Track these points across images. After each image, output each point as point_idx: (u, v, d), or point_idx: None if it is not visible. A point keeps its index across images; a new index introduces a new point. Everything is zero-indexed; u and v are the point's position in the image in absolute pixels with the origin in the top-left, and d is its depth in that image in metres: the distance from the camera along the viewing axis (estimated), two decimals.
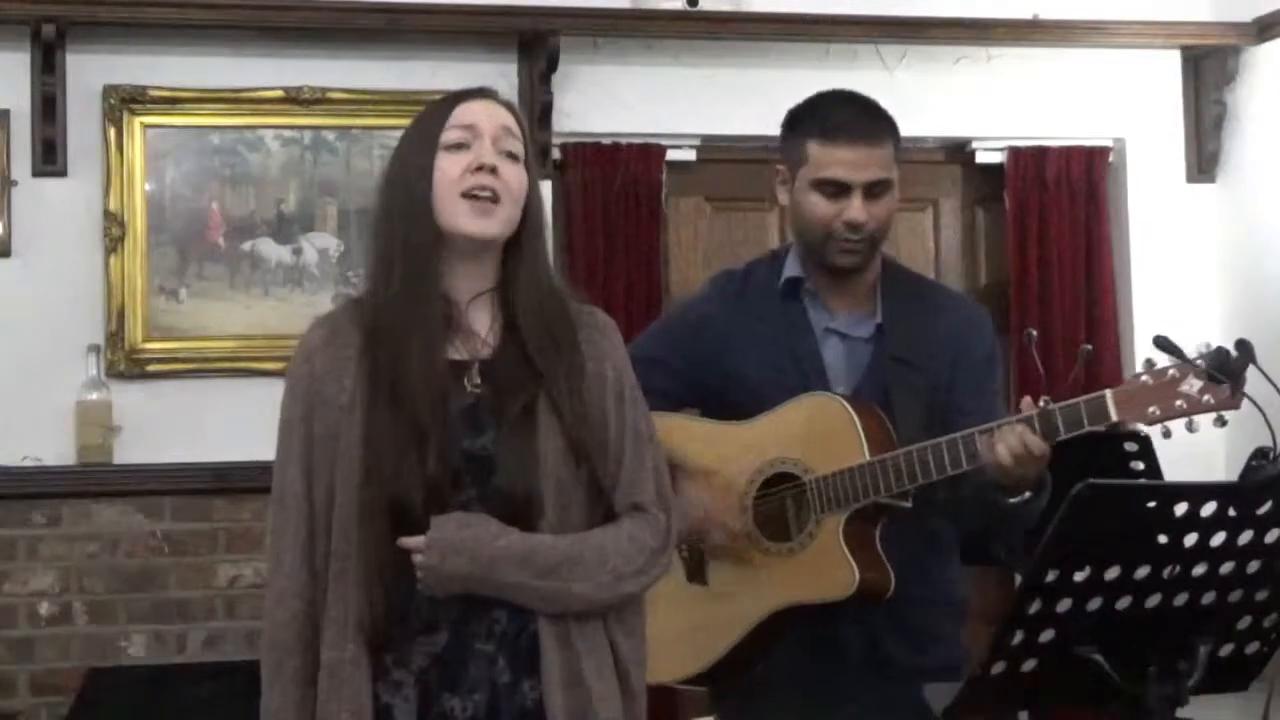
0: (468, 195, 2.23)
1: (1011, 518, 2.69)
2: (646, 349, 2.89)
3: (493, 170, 2.24)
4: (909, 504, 2.72)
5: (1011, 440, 2.57)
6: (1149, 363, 2.51)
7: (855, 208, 2.76)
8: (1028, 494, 2.64)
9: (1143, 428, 2.54)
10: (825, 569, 2.72)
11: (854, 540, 2.72)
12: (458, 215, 2.23)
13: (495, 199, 2.24)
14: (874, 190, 2.78)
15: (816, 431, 2.76)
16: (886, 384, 2.79)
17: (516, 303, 2.27)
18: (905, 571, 2.73)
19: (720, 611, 2.84)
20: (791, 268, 2.88)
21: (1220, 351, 2.45)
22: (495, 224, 2.25)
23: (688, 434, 2.88)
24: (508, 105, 2.34)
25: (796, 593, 2.75)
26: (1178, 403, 2.48)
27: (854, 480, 2.70)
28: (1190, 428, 2.50)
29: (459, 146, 2.26)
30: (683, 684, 2.93)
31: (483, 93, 2.33)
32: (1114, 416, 2.53)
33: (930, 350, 2.81)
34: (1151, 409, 2.49)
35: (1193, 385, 2.46)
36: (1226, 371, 2.43)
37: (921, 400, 2.77)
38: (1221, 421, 2.47)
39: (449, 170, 2.25)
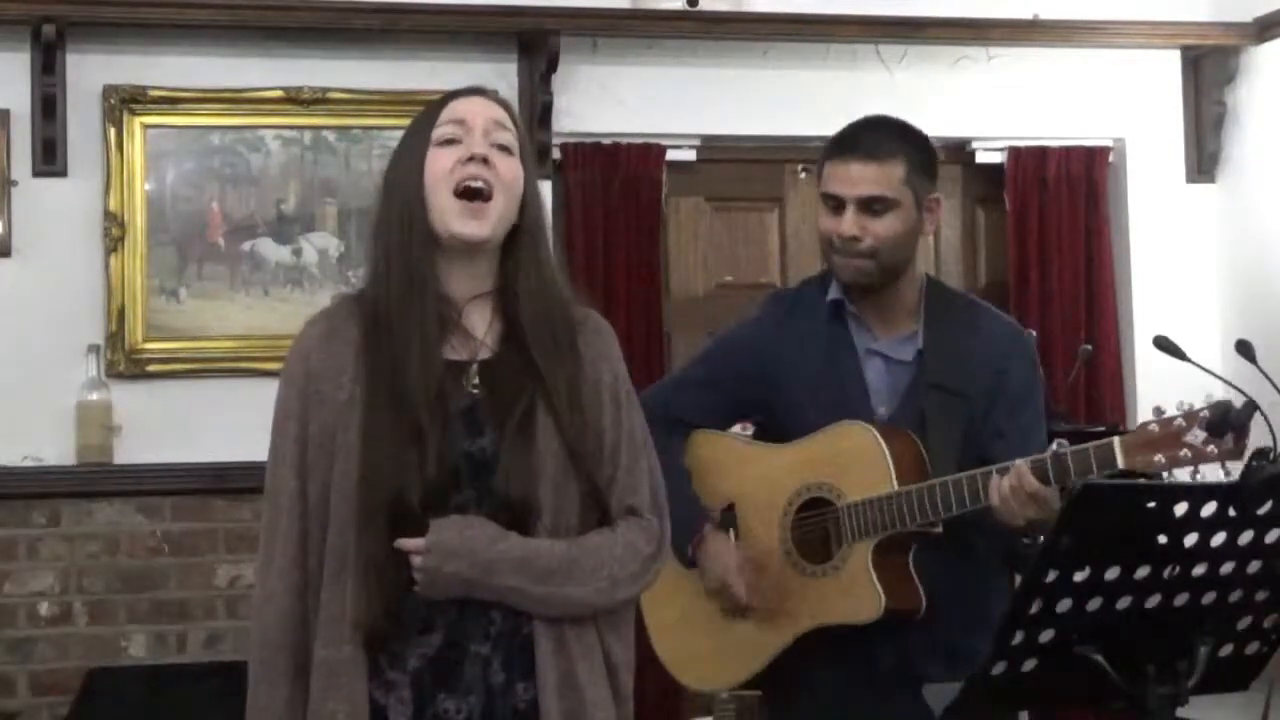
0: (460, 193, 2.20)
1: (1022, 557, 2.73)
2: (698, 373, 2.99)
3: (484, 161, 2.21)
4: (939, 530, 2.72)
5: (1010, 477, 2.59)
6: (1158, 410, 2.54)
7: (846, 221, 2.76)
8: (1042, 538, 2.64)
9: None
10: (853, 594, 2.74)
11: (884, 566, 2.73)
12: (449, 216, 2.20)
13: (488, 194, 2.21)
14: (871, 207, 2.76)
15: (848, 459, 2.77)
16: (923, 410, 2.78)
17: (516, 305, 2.24)
18: (942, 592, 2.74)
19: (754, 630, 2.87)
20: (834, 290, 2.88)
21: (1223, 405, 2.47)
22: (487, 225, 2.21)
23: (734, 454, 2.93)
24: (501, 102, 2.32)
25: (826, 615, 2.78)
26: (1182, 452, 2.51)
27: (881, 510, 2.72)
28: (1195, 475, 2.53)
29: (449, 142, 2.23)
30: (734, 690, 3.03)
31: (476, 90, 2.32)
32: (1120, 464, 2.56)
33: (969, 376, 2.79)
34: (1157, 457, 2.53)
35: (1197, 436, 2.49)
36: (1229, 425, 2.45)
37: (958, 427, 2.77)
38: (1226, 472, 2.49)
39: (440, 164, 2.22)
